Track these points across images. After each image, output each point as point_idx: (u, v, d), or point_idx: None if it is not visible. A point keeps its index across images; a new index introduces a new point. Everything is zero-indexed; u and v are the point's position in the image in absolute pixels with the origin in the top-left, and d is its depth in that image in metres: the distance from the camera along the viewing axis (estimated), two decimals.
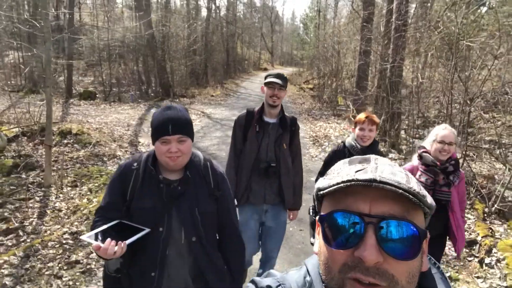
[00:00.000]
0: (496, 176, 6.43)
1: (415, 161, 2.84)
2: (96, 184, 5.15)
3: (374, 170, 0.60)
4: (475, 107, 8.17)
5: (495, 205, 5.10)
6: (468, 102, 7.02)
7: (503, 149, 6.87)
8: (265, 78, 2.75)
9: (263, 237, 2.93)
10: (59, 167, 5.37)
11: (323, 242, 0.62)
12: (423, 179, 2.73)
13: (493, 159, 7.41)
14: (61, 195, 4.83)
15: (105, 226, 1.59)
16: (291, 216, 2.97)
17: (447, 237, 2.92)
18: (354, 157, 0.67)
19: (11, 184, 4.87)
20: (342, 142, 3.10)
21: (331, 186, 0.61)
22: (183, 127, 1.64)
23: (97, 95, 14.58)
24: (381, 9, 10.70)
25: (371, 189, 0.58)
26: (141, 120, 10.24)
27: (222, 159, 7.10)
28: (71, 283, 3.27)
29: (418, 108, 7.42)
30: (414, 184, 0.60)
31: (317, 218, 0.66)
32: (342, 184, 0.59)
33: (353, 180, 0.58)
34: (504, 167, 6.37)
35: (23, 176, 5.16)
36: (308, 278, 0.69)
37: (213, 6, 23.39)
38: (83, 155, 6.21)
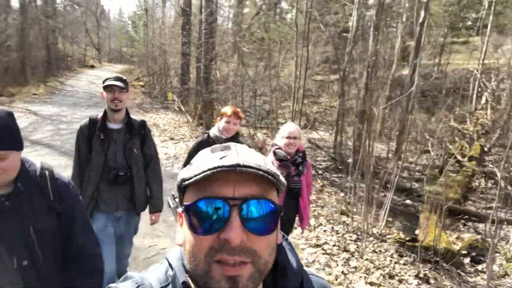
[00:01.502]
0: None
1: (270, 157, 3.15)
2: None
3: (236, 156, 0.65)
4: (272, 98, 11.17)
5: None
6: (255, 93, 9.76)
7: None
8: (103, 82, 2.70)
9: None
10: None
11: (188, 231, 0.65)
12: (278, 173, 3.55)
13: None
14: None
15: None
16: (154, 218, 3.04)
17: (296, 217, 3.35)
18: (215, 145, 0.71)
19: None
20: (206, 133, 3.30)
21: (197, 175, 0.64)
22: (2, 141, 1.40)
23: None
24: (195, 18, 12.86)
25: (234, 173, 0.62)
26: None
27: (57, 148, 8.06)
28: None
29: (222, 98, 9.88)
30: (270, 166, 0.68)
31: (179, 209, 0.70)
32: (208, 172, 0.62)
33: (218, 166, 0.62)
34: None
35: None
36: (170, 272, 0.70)
37: None
38: None
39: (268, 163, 0.68)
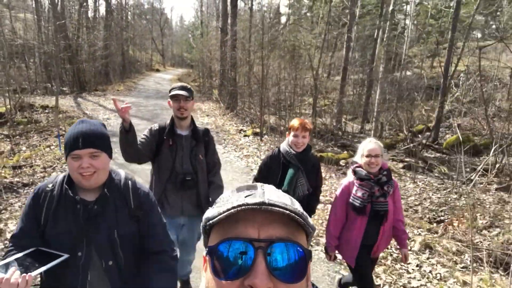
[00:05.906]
0: None
1: (350, 176, 3.03)
2: None
3: (262, 195, 0.65)
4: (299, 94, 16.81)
5: None
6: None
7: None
8: (170, 91, 2.87)
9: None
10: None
11: (211, 276, 0.63)
12: (359, 193, 2.89)
13: None
14: None
15: (19, 255, 1.56)
16: None
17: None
18: (241, 185, 0.72)
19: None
20: (277, 147, 3.25)
21: (221, 213, 0.63)
22: (96, 141, 1.65)
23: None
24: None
25: (259, 214, 0.62)
26: (77, 103, 16.84)
27: (140, 117, 14.32)
28: None
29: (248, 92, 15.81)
30: (298, 206, 0.68)
31: (204, 253, 0.67)
32: (232, 210, 0.62)
33: (243, 204, 0.62)
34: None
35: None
36: None
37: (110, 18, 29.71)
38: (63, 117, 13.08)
39: (296, 203, 0.68)
